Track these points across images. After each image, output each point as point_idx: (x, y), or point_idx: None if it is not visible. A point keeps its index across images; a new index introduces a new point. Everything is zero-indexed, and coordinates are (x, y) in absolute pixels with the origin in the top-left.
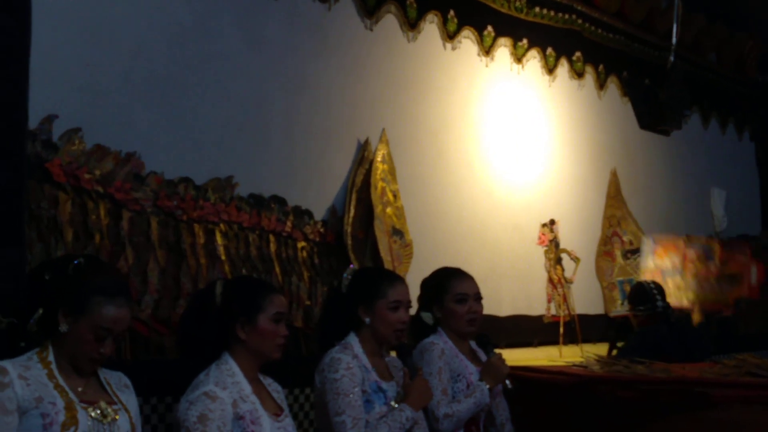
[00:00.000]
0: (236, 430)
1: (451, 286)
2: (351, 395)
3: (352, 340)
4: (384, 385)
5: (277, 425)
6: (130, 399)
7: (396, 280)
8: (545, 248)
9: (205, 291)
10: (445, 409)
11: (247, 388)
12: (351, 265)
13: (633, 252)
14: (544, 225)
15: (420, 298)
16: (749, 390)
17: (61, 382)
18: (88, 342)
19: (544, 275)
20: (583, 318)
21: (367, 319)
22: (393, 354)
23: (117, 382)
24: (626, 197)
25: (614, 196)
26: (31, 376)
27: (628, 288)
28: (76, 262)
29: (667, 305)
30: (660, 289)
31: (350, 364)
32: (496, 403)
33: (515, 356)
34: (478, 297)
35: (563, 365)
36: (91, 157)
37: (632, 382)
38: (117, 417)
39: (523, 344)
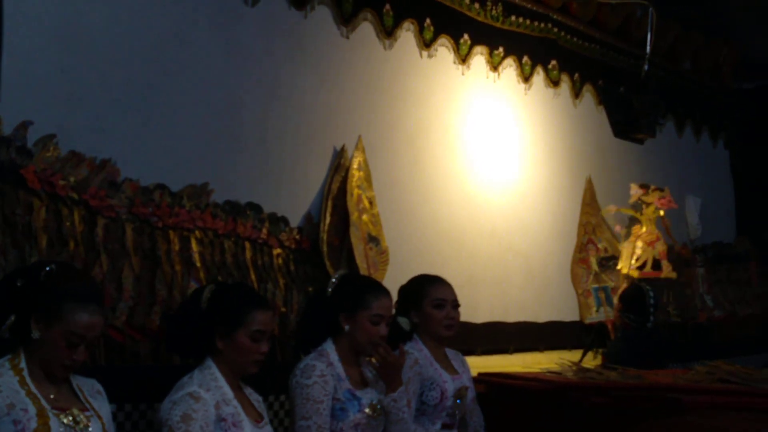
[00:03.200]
0: None
1: (429, 292)
2: (320, 404)
3: (329, 347)
4: (358, 392)
5: (258, 431)
6: (102, 405)
7: (382, 293)
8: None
9: (195, 293)
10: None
11: (229, 392)
12: (338, 272)
13: (608, 259)
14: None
15: (397, 304)
16: (721, 396)
17: (33, 389)
18: (60, 348)
19: (522, 281)
20: (558, 325)
21: (347, 327)
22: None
23: (89, 388)
24: (601, 205)
25: (589, 204)
26: (3, 383)
27: (603, 295)
28: (48, 268)
29: (655, 318)
30: (657, 302)
31: (324, 372)
32: (470, 410)
33: (491, 363)
34: (455, 304)
35: (537, 372)
36: (66, 163)
37: (605, 388)
38: (89, 424)
39: (499, 351)
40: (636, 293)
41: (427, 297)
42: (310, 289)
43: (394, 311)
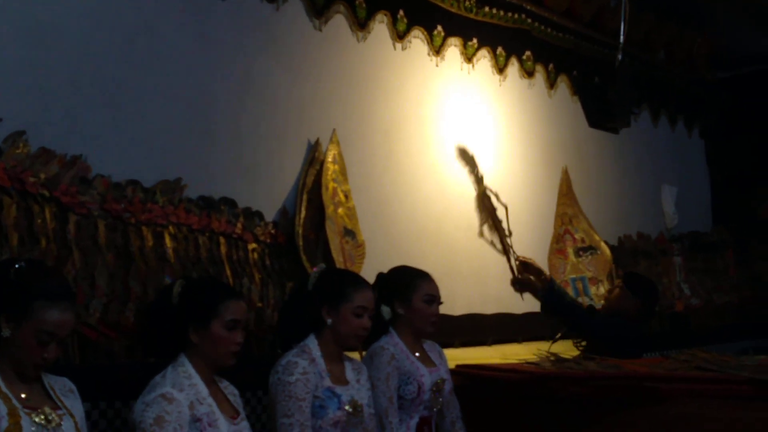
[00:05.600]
0: None
1: (421, 286)
2: (302, 401)
3: (311, 342)
4: (338, 389)
5: (234, 428)
6: (75, 404)
7: (363, 285)
8: None
9: (165, 290)
10: (394, 417)
11: (204, 390)
12: (318, 266)
13: (585, 249)
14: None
15: (380, 292)
16: (698, 384)
17: (4, 388)
18: (31, 347)
19: (499, 273)
20: (537, 315)
21: (330, 321)
22: (356, 356)
23: (61, 387)
24: (578, 195)
25: (566, 194)
26: None
27: (580, 285)
28: (17, 266)
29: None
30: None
31: (306, 369)
32: (447, 402)
33: (470, 355)
34: (440, 302)
35: (515, 363)
36: (36, 160)
37: (584, 378)
38: (62, 422)
39: (477, 343)
40: (647, 285)
41: (418, 291)
42: (290, 284)
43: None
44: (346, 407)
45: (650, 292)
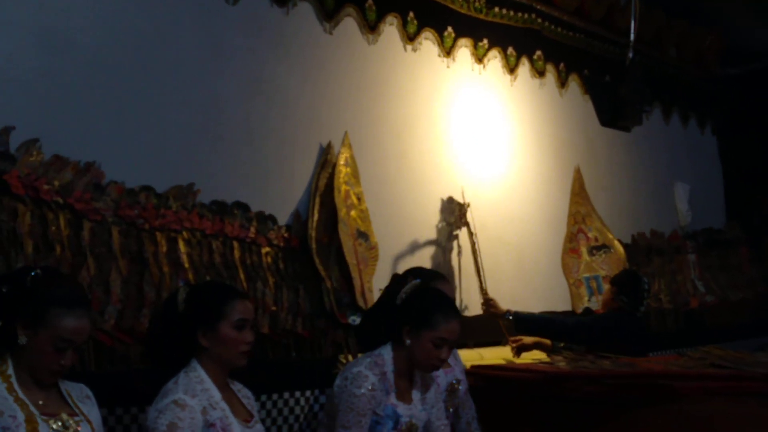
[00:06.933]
0: None
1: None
2: (363, 417)
3: (387, 354)
4: (400, 408)
5: (248, 431)
6: (92, 410)
7: (452, 316)
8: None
9: (170, 298)
10: None
11: (216, 394)
12: (414, 281)
13: (598, 248)
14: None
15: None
16: (713, 381)
17: (21, 395)
18: (47, 354)
19: (512, 272)
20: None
21: (408, 342)
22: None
23: (78, 393)
24: (591, 194)
25: (578, 193)
26: None
27: (594, 284)
28: (33, 273)
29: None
30: (649, 289)
31: (375, 385)
32: (462, 402)
33: (484, 355)
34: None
35: (529, 362)
36: (49, 167)
37: (598, 377)
38: (79, 428)
39: (492, 343)
40: (631, 277)
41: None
42: (380, 289)
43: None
44: (403, 427)
45: (634, 285)
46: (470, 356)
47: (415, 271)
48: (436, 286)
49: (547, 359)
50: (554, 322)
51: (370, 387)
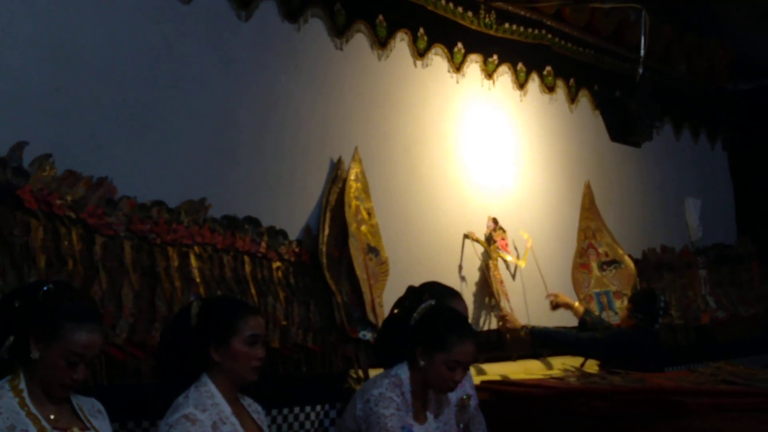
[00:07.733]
0: None
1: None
2: None
3: (404, 373)
4: (415, 429)
5: None
6: (103, 424)
7: (467, 338)
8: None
9: (182, 312)
10: None
11: (226, 409)
12: (429, 300)
13: (609, 263)
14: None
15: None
16: (724, 398)
17: (33, 409)
18: (60, 368)
19: (523, 287)
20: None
21: (422, 363)
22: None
23: (90, 407)
24: (601, 209)
25: (589, 208)
26: (3, 405)
27: (605, 299)
28: (45, 288)
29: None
30: (666, 308)
31: (399, 406)
32: (473, 418)
33: (494, 370)
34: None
35: (540, 378)
36: (62, 182)
37: (608, 393)
38: None
39: (502, 359)
40: (648, 295)
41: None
42: (396, 311)
43: (396, 310)
44: None
45: (649, 303)
46: (512, 369)
47: (430, 287)
48: (450, 305)
49: (558, 374)
50: (569, 336)
51: (396, 407)
